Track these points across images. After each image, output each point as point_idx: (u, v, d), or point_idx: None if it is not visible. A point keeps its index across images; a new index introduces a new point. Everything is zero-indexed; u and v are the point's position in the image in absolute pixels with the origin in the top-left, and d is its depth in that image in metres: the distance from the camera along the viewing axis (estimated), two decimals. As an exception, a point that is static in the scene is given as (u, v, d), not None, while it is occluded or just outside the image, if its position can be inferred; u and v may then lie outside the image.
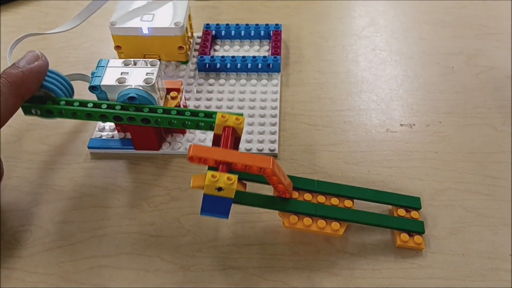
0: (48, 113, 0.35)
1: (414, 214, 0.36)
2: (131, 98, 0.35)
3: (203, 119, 0.35)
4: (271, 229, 0.36)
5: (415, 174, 0.39)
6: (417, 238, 0.34)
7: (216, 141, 0.35)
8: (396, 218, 0.35)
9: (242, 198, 0.34)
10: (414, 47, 0.49)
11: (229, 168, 0.31)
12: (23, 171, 0.40)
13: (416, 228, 0.35)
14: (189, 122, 0.35)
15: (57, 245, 0.35)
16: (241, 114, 0.34)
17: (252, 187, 0.34)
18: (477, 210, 0.36)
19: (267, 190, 0.35)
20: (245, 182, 0.34)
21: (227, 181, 0.30)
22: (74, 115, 0.35)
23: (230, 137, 0.34)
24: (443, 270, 0.33)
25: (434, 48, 0.49)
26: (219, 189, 0.30)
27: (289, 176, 0.35)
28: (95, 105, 0.35)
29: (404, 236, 0.34)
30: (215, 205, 0.31)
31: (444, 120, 0.42)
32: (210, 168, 0.31)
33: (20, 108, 0.34)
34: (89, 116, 0.35)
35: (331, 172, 0.39)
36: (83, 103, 0.35)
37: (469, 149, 0.40)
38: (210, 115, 0.36)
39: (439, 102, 0.44)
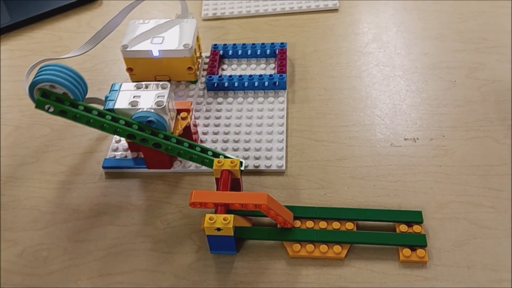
0: (61, 113, 0.36)
1: (416, 228, 0.37)
2: (150, 121, 0.37)
3: (209, 157, 0.39)
4: (278, 244, 0.37)
5: (419, 188, 0.40)
6: (420, 251, 0.35)
7: (218, 184, 0.38)
8: (397, 235, 0.36)
9: (245, 233, 0.37)
10: (416, 62, 0.50)
11: (227, 208, 0.35)
12: (41, 191, 0.42)
13: (418, 242, 0.36)
14: (196, 157, 0.39)
15: (75, 263, 0.37)
16: (241, 160, 0.39)
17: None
18: (481, 222, 0.37)
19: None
20: (250, 218, 0.38)
21: (224, 222, 0.34)
22: (88, 122, 0.36)
23: (228, 180, 0.37)
24: (448, 282, 0.34)
25: (436, 62, 0.50)
26: (218, 229, 0.34)
27: (289, 206, 0.38)
28: (113, 118, 0.37)
29: (407, 251, 0.35)
30: (220, 243, 0.35)
31: (447, 133, 0.43)
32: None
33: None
34: (102, 128, 0.37)
35: (337, 187, 0.40)
36: (102, 114, 0.37)
37: (472, 162, 0.41)
38: (217, 155, 0.40)
39: (442, 116, 0.45)
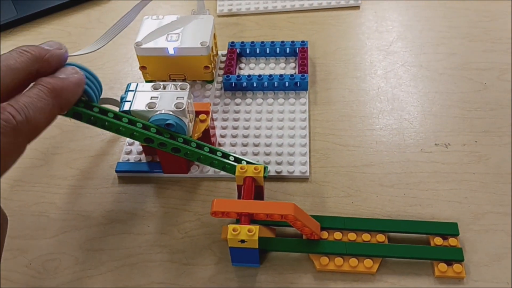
0: (76, 116, 0.32)
1: (452, 241, 0.34)
2: (169, 125, 0.34)
3: (231, 162, 0.37)
4: (303, 256, 0.35)
5: (452, 197, 0.37)
6: (457, 266, 0.33)
7: (240, 191, 0.36)
8: (432, 248, 0.34)
9: (269, 244, 0.34)
10: (444, 62, 0.48)
11: (251, 218, 0.33)
12: (50, 196, 0.39)
13: (455, 257, 0.33)
14: (217, 162, 0.37)
15: (87, 274, 0.34)
16: (265, 165, 0.37)
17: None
18: (521, 235, 0.35)
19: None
20: (274, 227, 0.35)
21: (248, 233, 0.31)
22: (103, 126, 0.33)
23: (251, 187, 0.35)
24: (488, 300, 0.32)
25: (465, 63, 0.47)
26: (242, 241, 0.31)
27: (316, 216, 0.35)
28: (130, 121, 0.34)
29: (442, 266, 0.33)
30: (243, 255, 0.33)
31: (480, 139, 0.41)
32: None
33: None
34: (118, 131, 0.34)
35: (365, 195, 0.38)
36: (118, 116, 0.33)
37: (508, 170, 0.39)
38: (239, 160, 0.38)
39: (474, 120, 0.42)
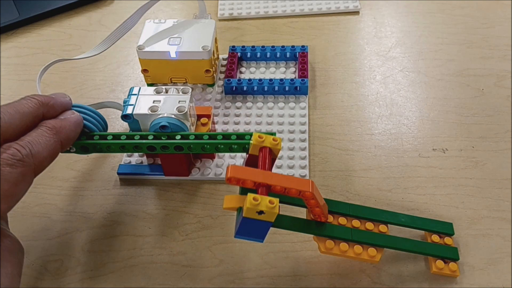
0: (83, 149, 0.35)
1: (447, 240, 0.35)
2: (163, 127, 0.35)
3: (236, 141, 0.35)
4: (305, 259, 0.35)
5: (450, 202, 0.38)
6: (452, 265, 0.34)
7: (250, 163, 0.34)
8: (431, 245, 0.35)
9: (279, 222, 0.32)
10: (442, 68, 0.48)
11: (268, 190, 0.31)
12: (52, 197, 0.40)
13: (451, 255, 0.34)
14: (222, 146, 0.35)
15: (89, 276, 0.35)
16: (274, 134, 0.34)
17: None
18: (516, 240, 0.36)
19: (296, 213, 0.34)
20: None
21: (269, 205, 0.29)
22: (108, 148, 0.35)
23: (268, 158, 0.33)
24: (484, 303, 0.32)
25: (463, 69, 0.48)
26: (260, 212, 0.29)
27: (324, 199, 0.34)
28: (128, 137, 0.35)
29: (440, 263, 0.34)
30: (252, 228, 0.31)
31: (477, 144, 0.42)
32: (246, 190, 0.31)
33: None
34: (123, 149, 0.35)
35: (364, 199, 0.38)
36: (116, 136, 0.35)
37: (504, 175, 0.39)
38: (242, 136, 0.35)
39: (471, 126, 0.43)
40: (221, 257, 0.36)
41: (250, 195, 0.29)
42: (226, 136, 0.35)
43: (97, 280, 0.35)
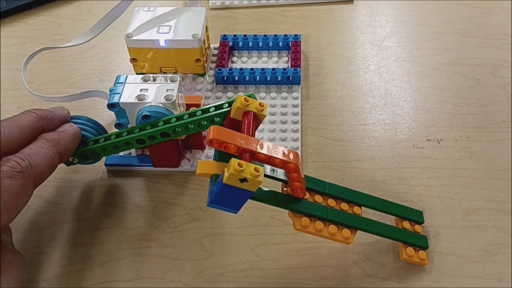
0: (82, 158, 0.36)
1: (417, 228, 0.34)
2: (145, 116, 0.34)
3: (216, 113, 0.33)
4: (296, 251, 0.34)
5: (444, 193, 0.37)
6: (421, 253, 0.33)
7: (232, 127, 0.31)
8: (403, 231, 0.34)
9: (257, 194, 0.30)
10: (438, 57, 0.47)
11: (252, 158, 0.28)
12: (38, 189, 0.38)
13: (421, 243, 0.34)
14: (205, 122, 0.33)
15: (75, 269, 0.34)
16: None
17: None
18: (512, 231, 0.35)
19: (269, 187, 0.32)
20: None
21: (254, 173, 0.26)
22: (104, 150, 0.35)
23: (253, 124, 0.30)
24: (479, 296, 0.32)
25: (459, 59, 0.47)
26: (243, 180, 0.27)
27: None
28: (117, 135, 0.35)
29: (410, 250, 0.33)
30: (230, 197, 0.28)
31: (472, 135, 0.41)
32: (224, 156, 0.29)
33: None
34: (116, 148, 0.35)
35: (357, 190, 0.37)
36: (107, 138, 0.35)
37: (500, 166, 0.39)
38: (220, 106, 0.33)
39: (467, 116, 0.42)
40: (210, 249, 0.35)
41: (235, 161, 0.26)
42: (205, 110, 0.33)
43: (83, 273, 0.34)
